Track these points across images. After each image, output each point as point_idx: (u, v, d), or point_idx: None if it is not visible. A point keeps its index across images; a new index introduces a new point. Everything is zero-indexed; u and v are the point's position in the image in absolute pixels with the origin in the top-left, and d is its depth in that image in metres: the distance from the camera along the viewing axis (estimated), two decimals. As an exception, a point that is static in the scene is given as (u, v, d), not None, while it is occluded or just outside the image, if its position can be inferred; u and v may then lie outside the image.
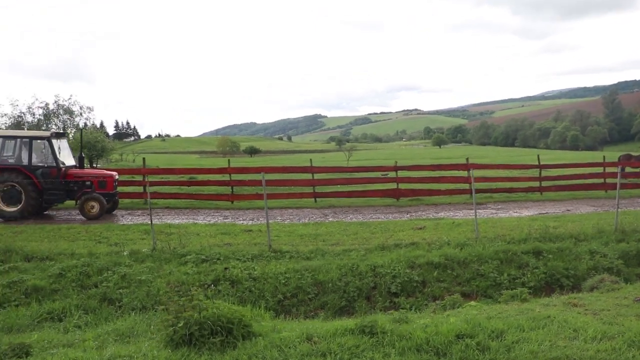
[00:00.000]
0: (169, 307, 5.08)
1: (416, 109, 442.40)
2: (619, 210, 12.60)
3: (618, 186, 12.37)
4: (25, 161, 15.92)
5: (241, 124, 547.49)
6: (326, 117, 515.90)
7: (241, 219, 16.33)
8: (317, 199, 19.64)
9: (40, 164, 16.11)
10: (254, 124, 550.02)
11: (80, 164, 17.06)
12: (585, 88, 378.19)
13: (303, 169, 21.14)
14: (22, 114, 38.21)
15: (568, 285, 9.57)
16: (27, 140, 16.08)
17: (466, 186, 20.74)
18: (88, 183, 16.39)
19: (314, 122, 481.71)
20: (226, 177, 20.13)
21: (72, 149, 29.00)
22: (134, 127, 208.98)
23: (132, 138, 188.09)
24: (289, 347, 4.61)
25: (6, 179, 15.48)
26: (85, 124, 41.14)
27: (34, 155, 16.13)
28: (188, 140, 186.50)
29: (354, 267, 9.71)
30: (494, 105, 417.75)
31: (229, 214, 17.19)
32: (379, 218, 16.01)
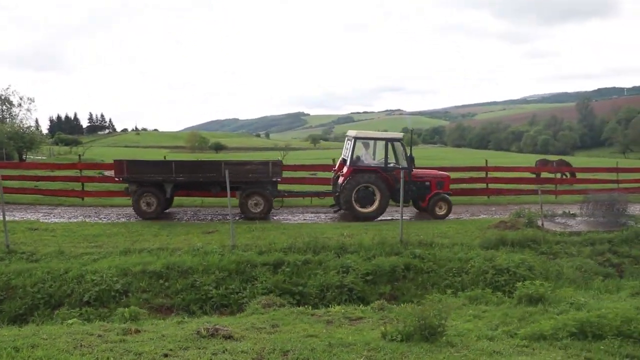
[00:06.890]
0: None
1: (399, 109, 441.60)
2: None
3: (402, 193, 11.96)
4: (381, 162, 15.80)
5: (224, 120, 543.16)
6: (309, 115, 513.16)
7: (68, 216, 15.66)
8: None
9: (394, 165, 15.81)
10: (237, 120, 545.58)
11: (409, 165, 16.03)
12: (566, 94, 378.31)
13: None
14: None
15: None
16: (383, 141, 15.93)
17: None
18: (427, 184, 16.21)
19: (296, 120, 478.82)
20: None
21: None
22: (110, 120, 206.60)
23: (107, 131, 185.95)
24: None
25: (361, 180, 15.35)
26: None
27: (372, 156, 16.14)
28: (163, 135, 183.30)
29: (64, 273, 9.21)
30: (477, 107, 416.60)
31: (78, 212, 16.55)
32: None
